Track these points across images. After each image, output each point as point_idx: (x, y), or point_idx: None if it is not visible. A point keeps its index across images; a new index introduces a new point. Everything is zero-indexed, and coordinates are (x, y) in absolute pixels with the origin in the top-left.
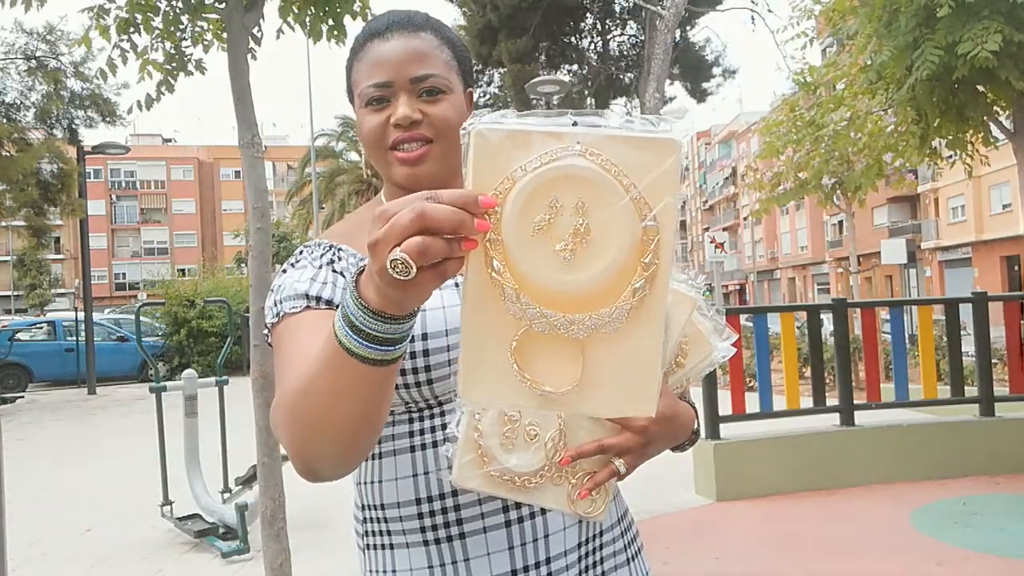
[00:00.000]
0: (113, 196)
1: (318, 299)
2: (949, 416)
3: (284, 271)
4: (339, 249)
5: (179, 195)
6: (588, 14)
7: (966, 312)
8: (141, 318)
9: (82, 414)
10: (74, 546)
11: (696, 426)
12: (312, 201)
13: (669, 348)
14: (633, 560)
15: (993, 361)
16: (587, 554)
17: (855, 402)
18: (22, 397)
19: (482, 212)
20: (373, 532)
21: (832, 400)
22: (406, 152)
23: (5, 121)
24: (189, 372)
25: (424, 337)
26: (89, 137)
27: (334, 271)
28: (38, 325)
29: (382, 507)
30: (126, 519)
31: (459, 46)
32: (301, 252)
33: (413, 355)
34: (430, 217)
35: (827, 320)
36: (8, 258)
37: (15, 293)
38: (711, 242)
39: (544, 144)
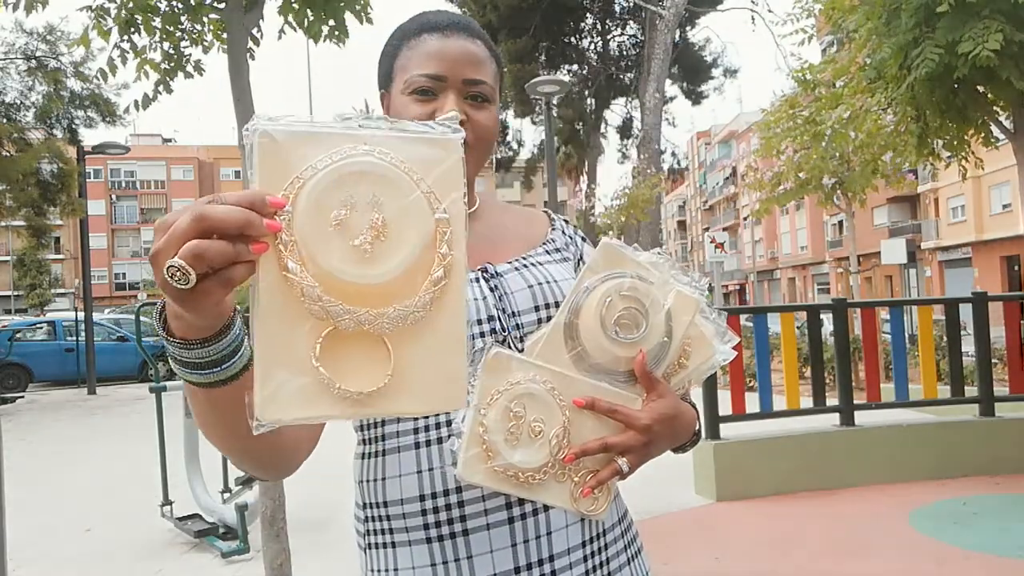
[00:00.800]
0: (113, 196)
1: None
2: (949, 416)
3: None
4: None
5: (179, 195)
6: (588, 14)
7: (966, 312)
8: (141, 318)
9: (82, 414)
10: (74, 546)
11: (698, 427)
12: None
13: (671, 349)
14: (633, 560)
15: (993, 361)
16: (592, 554)
17: (855, 402)
18: (22, 397)
19: (271, 212)
20: (374, 531)
21: (832, 400)
22: None
23: (5, 121)
24: None
25: None
26: (89, 137)
27: None
28: (38, 325)
29: (385, 504)
30: (126, 519)
31: (501, 64)
32: None
33: None
34: (210, 218)
35: (827, 320)
36: (8, 258)
37: (15, 293)
38: (711, 242)
39: (332, 144)
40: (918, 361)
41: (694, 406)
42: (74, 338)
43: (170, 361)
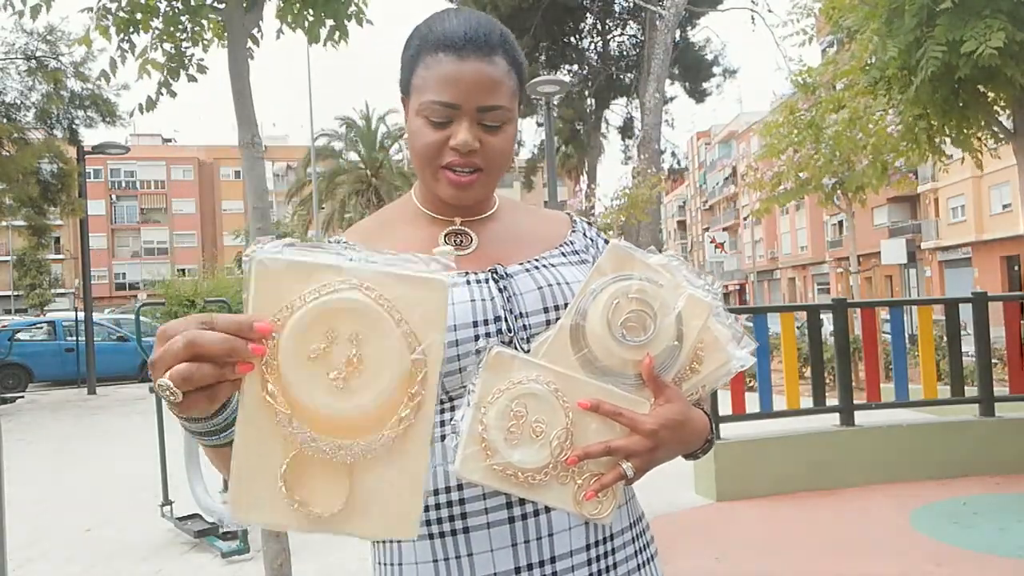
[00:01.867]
0: (113, 196)
1: None
2: (949, 416)
3: None
4: (353, 251)
5: (179, 195)
6: (588, 14)
7: (966, 312)
8: (141, 318)
9: (82, 414)
10: (74, 546)
11: (710, 435)
12: (312, 201)
13: (682, 354)
14: (644, 567)
15: (993, 361)
16: (598, 557)
17: (855, 402)
18: (22, 397)
19: (258, 337)
20: None
21: (832, 400)
22: (458, 175)
23: (5, 121)
24: None
25: None
26: (89, 137)
27: None
28: (38, 325)
29: None
30: (126, 519)
31: (523, 67)
32: None
33: None
34: (200, 345)
35: (827, 320)
36: (8, 258)
37: (15, 293)
38: (711, 242)
39: (323, 276)
40: (918, 361)
41: (707, 413)
42: (74, 338)
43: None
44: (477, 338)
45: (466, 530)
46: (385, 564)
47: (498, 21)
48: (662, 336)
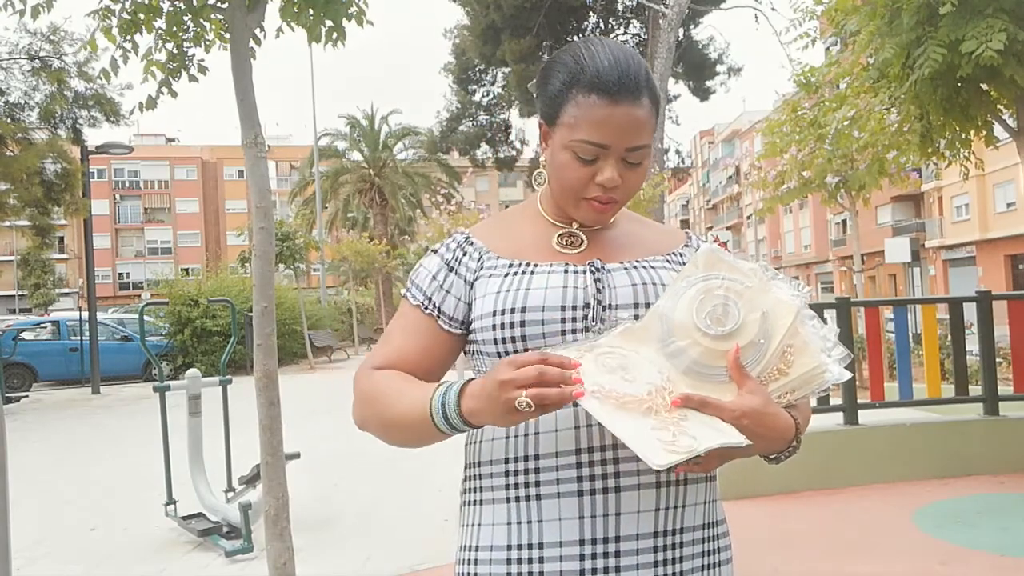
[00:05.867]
0: (117, 196)
1: (429, 300)
2: (953, 415)
3: (433, 251)
4: (471, 244)
5: (183, 195)
6: (591, 13)
7: (970, 311)
8: (145, 317)
9: (86, 414)
10: (78, 545)
11: (795, 440)
12: (316, 200)
13: (769, 352)
14: (712, 569)
15: (997, 360)
16: (665, 547)
17: (859, 401)
18: (27, 397)
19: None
20: (470, 489)
21: (835, 399)
22: (600, 205)
23: (9, 121)
24: (193, 371)
25: (523, 310)
26: (93, 137)
27: (450, 270)
28: (42, 325)
29: (479, 464)
30: (130, 518)
31: (659, 99)
32: (446, 240)
33: (512, 325)
34: (546, 375)
35: (831, 319)
36: (12, 258)
37: (19, 293)
38: (714, 241)
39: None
40: (922, 360)
41: (795, 419)
42: (78, 338)
43: (439, 417)
44: (563, 321)
45: (538, 497)
46: (468, 525)
47: (638, 54)
48: (746, 330)
